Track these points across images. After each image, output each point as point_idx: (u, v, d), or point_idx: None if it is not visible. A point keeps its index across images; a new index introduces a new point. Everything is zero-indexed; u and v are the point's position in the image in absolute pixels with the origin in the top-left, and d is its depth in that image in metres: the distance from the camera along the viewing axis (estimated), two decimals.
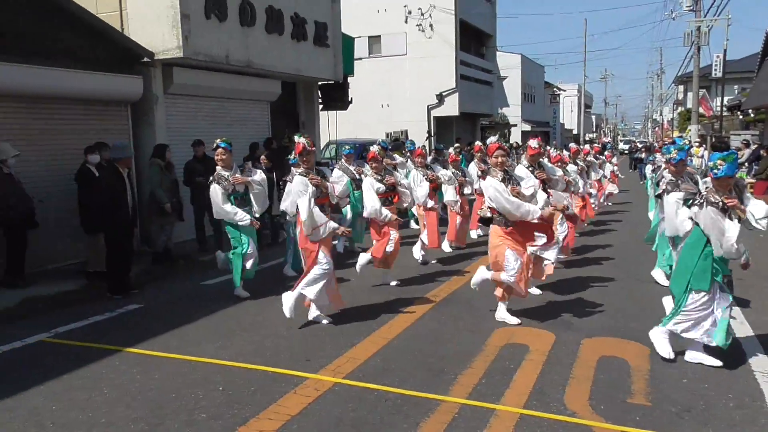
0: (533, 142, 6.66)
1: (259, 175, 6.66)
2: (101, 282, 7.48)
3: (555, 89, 48.52)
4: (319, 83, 14.03)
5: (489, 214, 5.53)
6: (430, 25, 22.87)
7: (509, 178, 5.48)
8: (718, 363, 4.54)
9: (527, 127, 39.65)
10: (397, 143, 16.65)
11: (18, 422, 3.88)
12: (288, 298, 5.54)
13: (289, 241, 7.82)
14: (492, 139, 5.62)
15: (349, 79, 14.43)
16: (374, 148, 6.95)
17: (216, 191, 6.39)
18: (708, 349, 4.63)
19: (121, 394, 4.24)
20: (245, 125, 11.86)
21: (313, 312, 5.71)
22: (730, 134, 27.25)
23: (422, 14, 22.93)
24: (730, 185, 4.44)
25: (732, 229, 4.29)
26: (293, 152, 5.85)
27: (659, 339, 4.79)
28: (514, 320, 5.68)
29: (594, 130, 76.03)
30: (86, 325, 5.96)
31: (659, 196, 6.21)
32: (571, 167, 8.72)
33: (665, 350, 4.73)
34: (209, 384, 4.36)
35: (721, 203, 4.35)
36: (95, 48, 8.56)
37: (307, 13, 12.24)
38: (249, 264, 6.62)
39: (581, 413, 3.89)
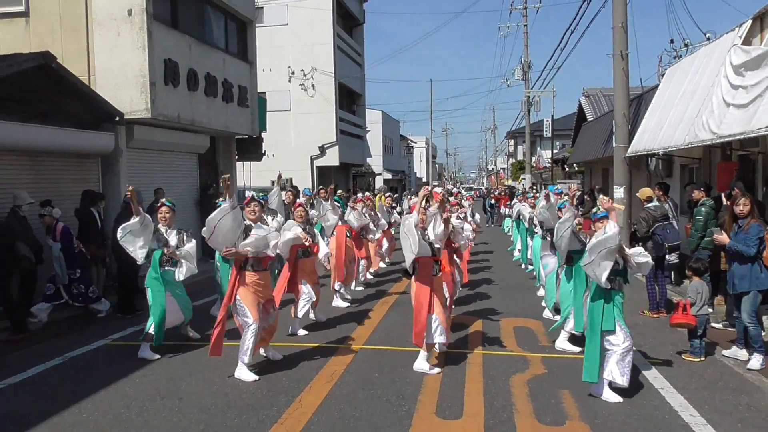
0: (438, 189, 9.07)
1: (189, 245, 6.80)
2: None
3: (409, 141, 53.69)
4: (236, 137, 15.92)
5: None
6: (312, 85, 25.62)
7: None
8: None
9: (388, 176, 43.73)
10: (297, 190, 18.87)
11: (159, 384, 5.53)
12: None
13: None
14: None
15: None
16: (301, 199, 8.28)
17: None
18: None
19: (228, 359, 6.02)
20: (182, 173, 13.50)
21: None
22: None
23: (304, 75, 25.62)
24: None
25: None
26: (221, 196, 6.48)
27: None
28: (430, 370, 5.88)
29: (438, 178, 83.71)
30: (129, 334, 7.42)
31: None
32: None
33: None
34: (283, 353, 6.33)
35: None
36: (79, 109, 9.90)
37: (233, 79, 14.26)
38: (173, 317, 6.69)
39: (516, 351, 6.51)
